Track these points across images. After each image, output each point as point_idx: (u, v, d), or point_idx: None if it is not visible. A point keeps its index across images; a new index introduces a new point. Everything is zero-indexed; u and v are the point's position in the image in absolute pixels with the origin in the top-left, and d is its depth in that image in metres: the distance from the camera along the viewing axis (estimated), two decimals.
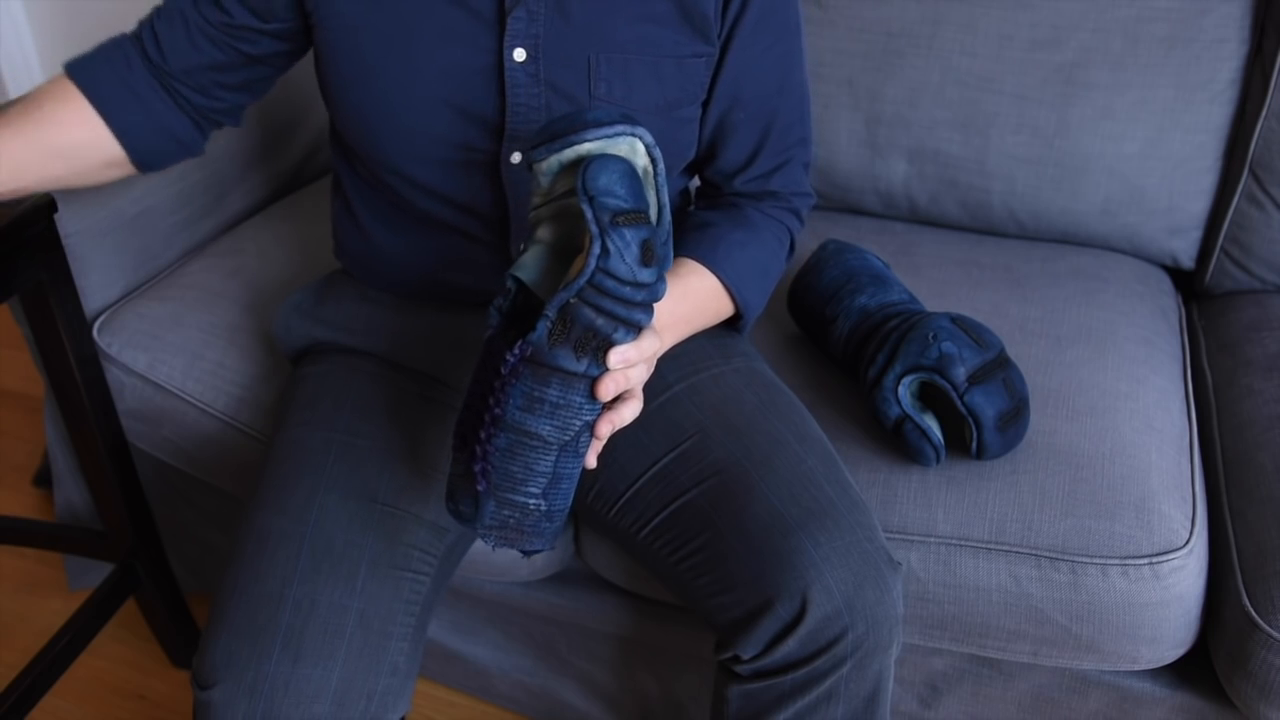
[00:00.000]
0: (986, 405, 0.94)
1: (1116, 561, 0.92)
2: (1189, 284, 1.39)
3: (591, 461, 0.75)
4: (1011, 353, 1.11)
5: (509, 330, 0.74)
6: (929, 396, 1.00)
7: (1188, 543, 0.93)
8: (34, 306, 1.11)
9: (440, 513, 0.92)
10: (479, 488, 0.70)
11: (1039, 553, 0.94)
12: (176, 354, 1.18)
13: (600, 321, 0.67)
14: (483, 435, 0.69)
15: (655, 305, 0.71)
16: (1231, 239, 1.30)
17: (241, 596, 0.83)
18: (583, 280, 0.65)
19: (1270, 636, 0.90)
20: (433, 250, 0.95)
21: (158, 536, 1.32)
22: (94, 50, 0.94)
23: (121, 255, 1.25)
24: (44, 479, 1.68)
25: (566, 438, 0.70)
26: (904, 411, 0.97)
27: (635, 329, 0.69)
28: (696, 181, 1.05)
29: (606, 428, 0.73)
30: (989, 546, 0.95)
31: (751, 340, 1.17)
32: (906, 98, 1.35)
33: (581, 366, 0.68)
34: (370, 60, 0.86)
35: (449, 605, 1.24)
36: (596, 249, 0.64)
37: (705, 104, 0.94)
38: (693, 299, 0.93)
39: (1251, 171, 1.26)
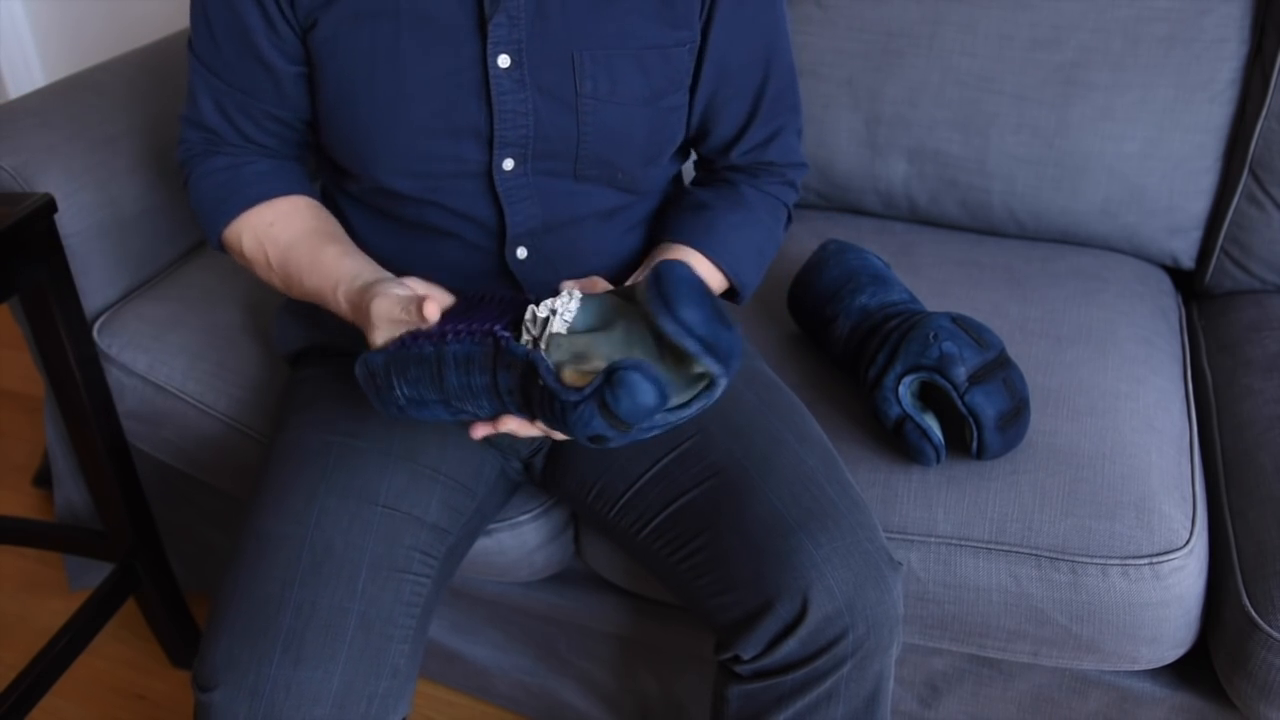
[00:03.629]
0: (987, 405, 0.94)
1: (1117, 561, 0.92)
2: (1189, 284, 1.39)
3: (476, 433, 0.82)
4: (1011, 353, 1.11)
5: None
6: (929, 396, 1.00)
7: (1188, 543, 0.93)
8: (34, 307, 1.11)
9: (441, 514, 0.92)
10: (391, 344, 0.78)
11: (1039, 553, 0.94)
12: (177, 355, 1.18)
13: (535, 398, 0.73)
14: (433, 330, 0.76)
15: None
16: (1231, 239, 1.30)
17: (242, 599, 0.83)
18: (548, 376, 0.71)
19: (1270, 636, 0.90)
20: (429, 258, 0.95)
21: (158, 536, 1.32)
22: (226, 185, 0.93)
23: (121, 255, 1.25)
24: (44, 479, 1.68)
25: (453, 403, 0.78)
26: (904, 411, 0.97)
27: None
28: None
29: (479, 433, 0.81)
30: (989, 546, 0.95)
31: (751, 340, 1.17)
32: (906, 98, 1.35)
33: (505, 393, 0.75)
34: (356, 83, 0.85)
35: (449, 605, 1.24)
36: (571, 397, 0.70)
37: (692, 86, 0.93)
38: None
39: (1251, 171, 1.26)
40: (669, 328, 0.70)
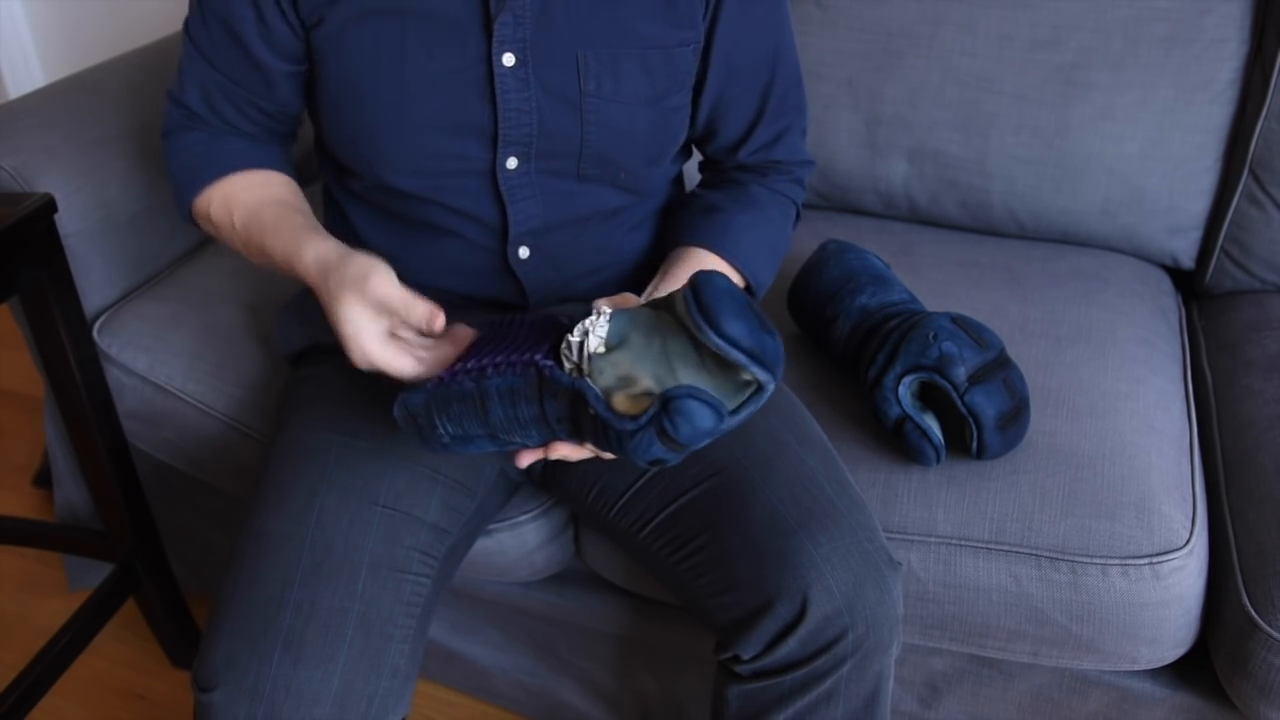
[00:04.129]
0: (987, 405, 0.94)
1: (1116, 561, 0.92)
2: (1189, 284, 1.39)
3: (523, 461, 0.81)
4: (1011, 353, 1.11)
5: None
6: (929, 396, 1.00)
7: (1188, 543, 0.93)
8: (34, 306, 1.11)
9: (441, 514, 0.92)
10: (430, 382, 0.77)
11: (1039, 553, 0.94)
12: (177, 355, 1.18)
13: (586, 426, 0.73)
14: (468, 364, 0.75)
15: None
16: (1231, 239, 1.30)
17: (242, 599, 0.83)
18: (598, 405, 0.70)
19: (1270, 636, 0.90)
20: (431, 256, 0.95)
21: (158, 536, 1.32)
22: (200, 156, 0.94)
23: (121, 255, 1.25)
24: (44, 479, 1.68)
25: (500, 436, 0.77)
26: (904, 411, 0.97)
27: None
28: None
29: (526, 460, 0.80)
30: (989, 546, 0.95)
31: None
32: (906, 98, 1.35)
33: (555, 422, 0.75)
34: (360, 80, 0.86)
35: (449, 605, 1.24)
36: (627, 426, 0.69)
37: (699, 87, 0.94)
38: None
39: (1251, 171, 1.26)
40: (716, 343, 0.69)
